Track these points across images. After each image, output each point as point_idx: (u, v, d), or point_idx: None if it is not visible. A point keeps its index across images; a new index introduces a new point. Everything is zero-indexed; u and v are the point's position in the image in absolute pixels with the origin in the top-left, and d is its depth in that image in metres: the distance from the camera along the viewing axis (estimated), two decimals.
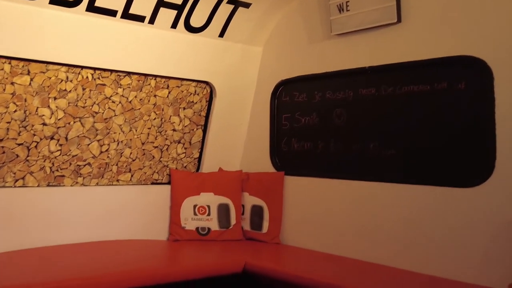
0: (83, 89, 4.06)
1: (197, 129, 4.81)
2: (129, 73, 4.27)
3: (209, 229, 4.51)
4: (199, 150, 4.88)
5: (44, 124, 3.93)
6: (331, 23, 4.21)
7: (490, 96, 3.26)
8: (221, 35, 4.54)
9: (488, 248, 3.23)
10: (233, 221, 4.58)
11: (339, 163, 4.22)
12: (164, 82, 4.49)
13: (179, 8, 4.12)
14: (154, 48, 4.28)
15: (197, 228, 4.49)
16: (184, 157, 4.80)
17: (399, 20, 3.79)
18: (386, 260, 3.73)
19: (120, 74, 4.23)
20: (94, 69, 4.08)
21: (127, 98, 4.32)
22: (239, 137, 5.06)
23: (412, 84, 3.72)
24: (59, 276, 3.16)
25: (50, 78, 3.87)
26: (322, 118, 4.36)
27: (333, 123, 4.27)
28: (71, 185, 4.16)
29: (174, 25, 4.23)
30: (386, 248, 3.77)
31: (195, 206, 4.54)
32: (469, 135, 3.41)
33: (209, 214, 4.53)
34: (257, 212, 4.59)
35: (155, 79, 4.44)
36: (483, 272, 3.22)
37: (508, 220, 3.12)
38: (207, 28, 4.41)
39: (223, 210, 4.57)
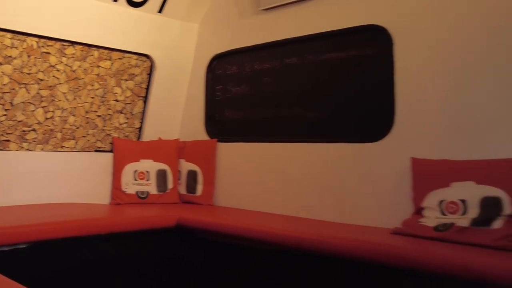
0: (28, 56, 4.27)
1: (138, 100, 5.09)
2: (73, 43, 4.51)
3: (148, 193, 4.80)
4: (140, 121, 5.18)
5: None
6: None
7: (391, 61, 3.68)
8: (160, 10, 4.86)
9: (390, 194, 3.65)
10: (170, 185, 4.91)
11: (268, 128, 4.61)
12: (107, 53, 4.76)
13: None
14: (97, 20, 4.54)
15: (137, 192, 4.78)
16: (126, 126, 5.08)
17: None
18: (313, 213, 4.11)
19: (65, 43, 4.46)
20: (39, 37, 4.29)
21: (71, 67, 4.56)
22: (178, 108, 5.39)
23: (330, 52, 4.14)
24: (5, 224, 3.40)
25: None
26: (252, 87, 4.75)
27: (262, 91, 4.65)
28: (16, 150, 4.34)
29: None
30: (308, 201, 4.17)
31: (135, 172, 4.82)
32: (375, 96, 3.84)
33: (148, 179, 4.82)
34: (192, 176, 4.94)
35: (98, 50, 4.69)
36: (387, 215, 3.62)
37: (405, 167, 3.53)
38: (146, 3, 4.71)
39: (161, 176, 4.89)
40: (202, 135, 5.13)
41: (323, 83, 4.18)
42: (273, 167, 4.45)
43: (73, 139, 4.71)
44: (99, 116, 4.83)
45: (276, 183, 4.42)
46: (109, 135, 4.95)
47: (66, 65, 4.50)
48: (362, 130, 3.92)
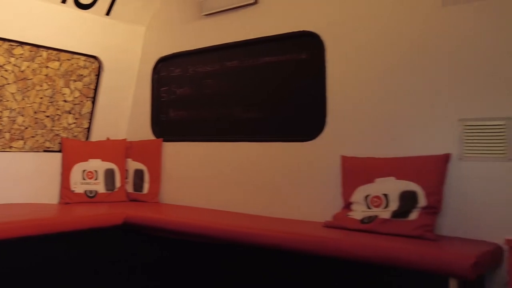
0: None
1: (86, 100, 5.19)
2: (21, 43, 4.57)
3: (96, 192, 4.93)
4: (89, 121, 5.28)
5: None
6: (201, 5, 4.77)
7: (323, 65, 3.95)
8: (108, 13, 4.97)
9: (322, 190, 3.92)
10: (118, 184, 5.06)
11: (210, 128, 4.81)
12: (56, 54, 4.84)
13: None
14: (45, 21, 4.60)
15: (85, 191, 4.89)
16: (75, 127, 5.16)
17: (256, 1, 4.39)
18: (252, 209, 4.35)
19: (13, 44, 4.52)
20: None
21: (20, 68, 4.61)
22: (125, 108, 5.53)
23: (267, 56, 4.37)
24: None
25: None
26: (195, 89, 4.95)
27: (204, 93, 4.85)
28: None
29: (64, 0, 4.59)
30: (248, 197, 4.41)
31: (84, 171, 4.94)
32: (309, 98, 4.10)
33: (96, 179, 4.96)
34: (139, 175, 5.11)
35: (47, 51, 4.77)
36: (320, 209, 3.87)
37: (336, 165, 3.80)
38: (94, 6, 4.81)
39: (109, 175, 5.03)
40: (148, 135, 5.30)
41: (261, 86, 4.41)
42: (215, 165, 4.67)
43: (22, 139, 4.75)
44: (47, 116, 4.90)
45: (218, 181, 4.63)
46: (57, 135, 5.02)
47: (14, 65, 4.56)
48: (297, 130, 4.17)
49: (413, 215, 3.22)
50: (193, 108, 4.94)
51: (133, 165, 5.12)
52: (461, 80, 3.31)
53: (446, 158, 3.27)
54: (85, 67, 5.09)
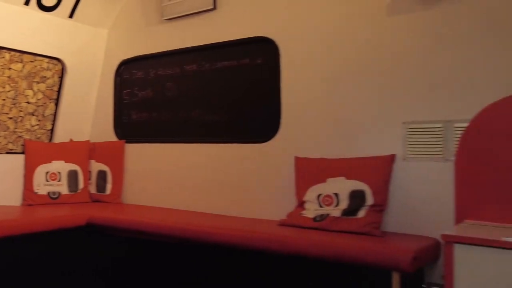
0: None
1: (50, 102, 5.25)
2: None
3: (59, 193, 4.98)
4: (52, 122, 5.33)
5: None
6: (163, 9, 4.88)
7: (277, 69, 4.12)
8: (71, 15, 5.05)
9: (278, 189, 4.09)
10: (81, 185, 5.12)
11: (171, 130, 4.93)
12: (19, 56, 4.87)
13: None
14: (8, 22, 4.63)
15: (48, 193, 4.95)
16: (38, 128, 5.21)
17: (214, 7, 4.53)
18: (212, 208, 4.50)
19: None
20: None
21: None
22: (88, 110, 5.59)
23: (225, 60, 4.52)
24: None
25: None
26: (156, 91, 5.06)
27: (165, 95, 4.98)
28: None
29: (27, 2, 4.64)
30: (207, 197, 4.56)
31: (47, 173, 4.99)
32: (264, 101, 4.26)
33: (59, 180, 5.01)
34: (102, 176, 5.20)
35: (9, 53, 4.80)
36: (275, 208, 4.04)
37: (290, 165, 3.96)
38: (57, 8, 4.87)
39: (73, 176, 5.09)
40: (111, 137, 5.40)
41: (219, 89, 4.56)
42: (175, 166, 4.80)
43: None
44: (10, 118, 4.93)
45: (179, 181, 4.77)
46: (20, 137, 5.05)
47: None
48: (254, 131, 4.33)
49: (361, 213, 3.41)
50: (155, 110, 5.05)
51: (96, 166, 5.21)
52: (405, 86, 3.52)
53: (391, 158, 3.47)
54: (48, 69, 5.14)
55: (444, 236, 2.70)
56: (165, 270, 4.01)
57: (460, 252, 2.63)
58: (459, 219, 2.99)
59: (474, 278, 2.56)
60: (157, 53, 5.01)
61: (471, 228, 2.87)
